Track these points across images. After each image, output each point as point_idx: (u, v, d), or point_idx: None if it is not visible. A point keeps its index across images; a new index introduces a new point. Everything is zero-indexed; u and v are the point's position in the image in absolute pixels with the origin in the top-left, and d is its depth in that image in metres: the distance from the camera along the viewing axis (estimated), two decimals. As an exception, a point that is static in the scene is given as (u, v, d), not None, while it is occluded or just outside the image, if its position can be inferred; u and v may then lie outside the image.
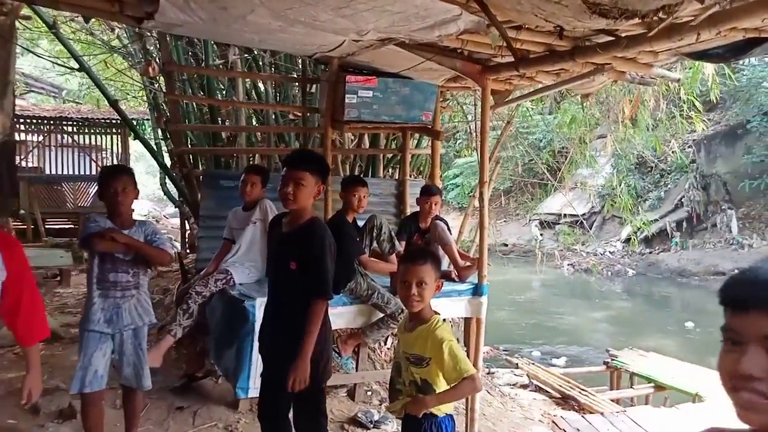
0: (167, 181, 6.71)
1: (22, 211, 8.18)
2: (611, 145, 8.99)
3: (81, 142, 9.90)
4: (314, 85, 5.34)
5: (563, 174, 13.24)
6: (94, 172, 9.93)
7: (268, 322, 2.67)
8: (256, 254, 3.97)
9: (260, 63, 5.58)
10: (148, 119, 8.15)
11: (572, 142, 17.50)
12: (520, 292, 14.72)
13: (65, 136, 10.05)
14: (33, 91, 13.34)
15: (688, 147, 16.54)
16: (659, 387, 6.10)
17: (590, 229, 17.47)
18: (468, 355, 4.30)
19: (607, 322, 12.87)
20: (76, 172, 9.93)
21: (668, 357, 7.18)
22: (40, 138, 10.23)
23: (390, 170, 5.91)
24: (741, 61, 15.06)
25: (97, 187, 2.80)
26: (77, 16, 8.11)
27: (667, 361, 6.91)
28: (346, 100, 4.38)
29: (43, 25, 6.92)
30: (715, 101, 11.37)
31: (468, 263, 4.34)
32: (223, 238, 4.11)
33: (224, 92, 5.73)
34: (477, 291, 4.17)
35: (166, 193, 6.94)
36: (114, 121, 9.68)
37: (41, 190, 9.34)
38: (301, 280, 2.44)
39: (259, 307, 3.54)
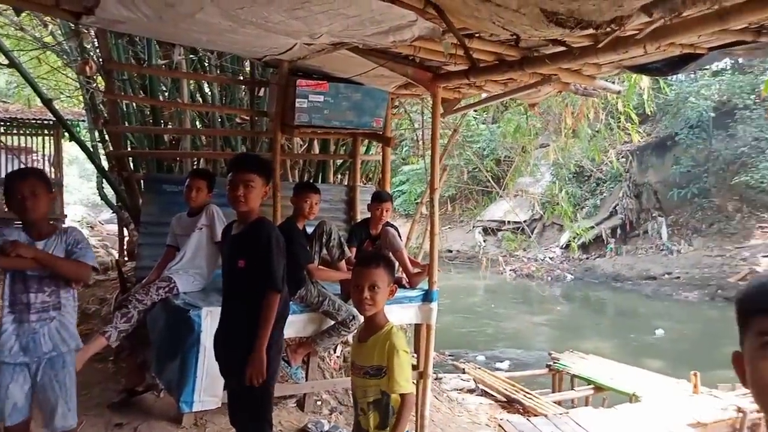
0: (104, 185, 6.37)
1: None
2: (553, 154, 9.25)
3: (9, 143, 9.26)
4: (263, 89, 5.22)
5: (507, 182, 13.58)
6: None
7: (222, 327, 2.64)
8: (202, 261, 3.81)
9: (206, 64, 5.40)
10: (83, 120, 7.74)
11: (514, 151, 18.01)
12: (465, 298, 14.94)
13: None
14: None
15: (623, 157, 17.33)
16: (598, 388, 6.31)
17: (531, 235, 17.98)
18: (418, 361, 4.29)
19: (548, 325, 13.24)
20: (3, 175, 9.29)
21: (606, 359, 7.43)
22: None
23: (340, 176, 5.84)
24: (674, 76, 15.95)
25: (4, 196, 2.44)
26: (6, 9, 7.61)
27: (606, 363, 7.16)
28: (297, 105, 4.29)
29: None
30: (649, 114, 11.95)
31: (418, 270, 4.33)
32: (166, 245, 3.92)
33: (167, 94, 5.49)
34: (427, 297, 4.17)
35: (103, 197, 6.58)
36: (46, 122, 9.14)
37: (-37, 193, 8.70)
38: (249, 277, 2.46)
39: (204, 316, 3.40)
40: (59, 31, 6.81)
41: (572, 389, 6.70)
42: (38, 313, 2.40)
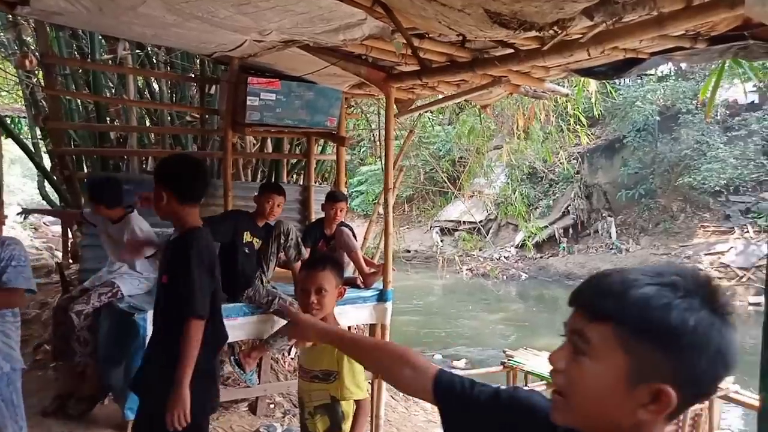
0: (46, 184, 6.10)
1: None
2: (506, 156, 9.42)
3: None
4: (213, 86, 5.11)
5: (462, 183, 13.77)
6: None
7: (149, 343, 2.38)
8: (145, 265, 3.69)
9: (154, 60, 5.24)
10: (24, 117, 7.40)
11: (470, 152, 18.27)
12: (422, 297, 15.04)
13: None
14: None
15: (573, 159, 17.83)
16: (551, 384, 6.42)
17: (487, 235, 18.27)
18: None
19: (503, 323, 13.47)
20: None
21: (559, 355, 7.57)
22: None
23: (294, 176, 5.78)
24: (620, 80, 16.52)
25: None
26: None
27: (558, 359, 7.28)
28: (248, 103, 4.21)
29: None
30: (597, 117, 12.33)
31: (373, 269, 4.33)
32: None
33: (113, 90, 5.30)
34: (382, 297, 4.17)
35: (45, 197, 6.30)
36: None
37: None
38: (169, 296, 2.19)
39: (150, 320, 3.29)
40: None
41: (525, 385, 6.82)
42: None
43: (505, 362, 7.21)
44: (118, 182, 3.73)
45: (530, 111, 6.87)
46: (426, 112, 5.50)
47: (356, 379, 1.96)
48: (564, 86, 5.33)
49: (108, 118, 5.19)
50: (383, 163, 4.19)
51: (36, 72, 5.67)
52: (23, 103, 6.68)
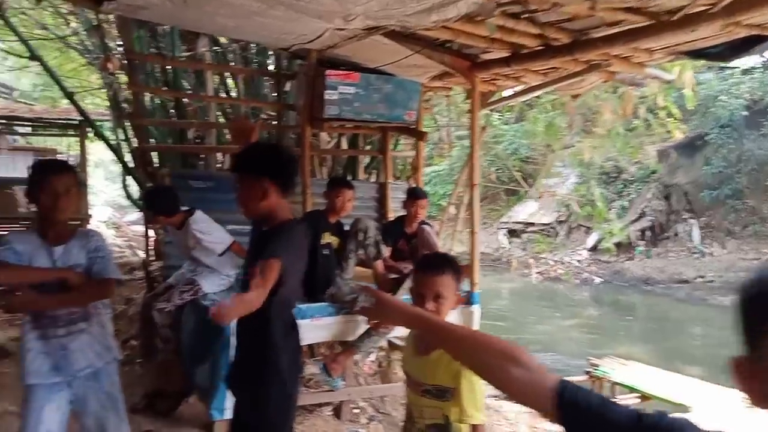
0: (129, 183, 6.26)
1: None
2: (586, 153, 8.91)
3: (35, 144, 9.24)
4: (288, 83, 5.03)
5: (533, 182, 13.27)
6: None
7: (236, 339, 2.24)
8: (222, 266, 3.60)
9: (230, 57, 5.22)
10: (107, 120, 7.65)
11: (538, 151, 17.63)
12: (491, 301, 14.59)
13: (17, 138, 9.39)
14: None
15: (652, 157, 16.85)
16: (644, 397, 5.96)
17: (557, 237, 17.58)
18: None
19: (578, 329, 12.85)
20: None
21: (648, 365, 7.07)
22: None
23: (369, 173, 5.63)
24: (703, 74, 15.46)
25: (27, 187, 2.13)
26: (30, 7, 7.58)
27: (649, 369, 6.80)
28: (326, 96, 4.09)
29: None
30: (687, 110, 11.50)
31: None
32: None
33: (191, 91, 5.32)
34: (468, 300, 3.93)
35: (129, 196, 6.47)
36: (71, 122, 9.10)
37: (-11, 194, 8.69)
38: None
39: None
40: (81, 28, 6.73)
41: (614, 397, 6.37)
42: (66, 326, 2.11)
43: (590, 371, 6.77)
44: (171, 190, 3.68)
45: (627, 101, 6.33)
46: (506, 104, 5.19)
47: (476, 401, 1.67)
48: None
49: (186, 118, 5.22)
50: (469, 157, 3.95)
51: (117, 75, 5.81)
52: (106, 106, 6.90)
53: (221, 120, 5.36)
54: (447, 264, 1.79)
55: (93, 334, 2.20)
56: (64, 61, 7.52)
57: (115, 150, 5.43)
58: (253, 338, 2.04)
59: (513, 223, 18.80)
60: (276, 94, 4.76)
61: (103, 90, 7.21)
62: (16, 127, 9.48)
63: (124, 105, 5.69)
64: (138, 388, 3.73)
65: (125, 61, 4.07)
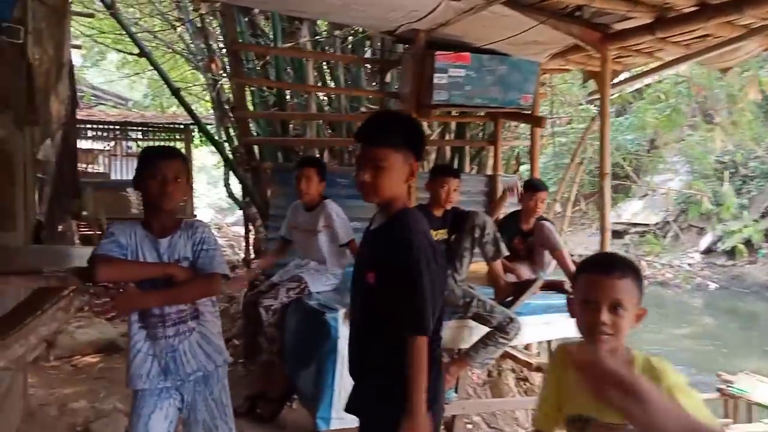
0: (231, 182, 6.25)
1: (85, 213, 7.95)
2: (719, 143, 7.87)
3: (141, 147, 9.71)
4: (389, 73, 4.72)
5: (638, 179, 12.18)
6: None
7: (352, 351, 1.82)
8: (330, 262, 3.34)
9: (328, 51, 5.00)
10: (212, 124, 7.79)
11: (644, 146, 16.27)
12: (593, 306, 13.59)
13: (131, 144, 9.90)
14: (101, 104, 13.44)
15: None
16: (799, 424, 5.06)
17: (665, 238, 16.15)
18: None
19: (692, 340, 11.62)
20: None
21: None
22: (107, 146, 10.11)
23: (472, 167, 5.20)
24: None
25: (135, 174, 1.96)
26: (140, 18, 7.87)
27: (798, 390, 5.81)
28: (435, 80, 3.72)
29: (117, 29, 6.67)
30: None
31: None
32: (281, 236, 3.51)
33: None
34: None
35: (230, 194, 6.47)
36: (177, 126, 9.44)
37: (107, 195, 9.15)
38: (379, 300, 1.63)
39: (342, 320, 2.91)
40: (187, 32, 6.83)
41: (750, 420, 5.49)
42: (175, 326, 1.90)
43: (722, 389, 5.91)
44: (322, 163, 3.52)
45: (754, 83, 5.50)
46: (636, 83, 4.56)
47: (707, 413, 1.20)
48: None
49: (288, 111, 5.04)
50: (600, 143, 3.42)
51: (221, 75, 5.79)
52: (211, 105, 6.96)
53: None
54: (628, 266, 1.31)
55: (203, 335, 1.96)
56: (170, 68, 7.73)
57: (219, 149, 5.39)
58: (392, 355, 1.63)
59: (614, 223, 17.51)
60: (376, 83, 4.46)
61: (206, 92, 7.31)
62: (129, 134, 9.97)
63: (226, 106, 5.65)
64: (240, 389, 3.54)
65: (228, 55, 3.95)
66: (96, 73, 14.53)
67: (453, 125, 4.75)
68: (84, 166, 9.42)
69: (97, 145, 10.87)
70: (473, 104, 3.89)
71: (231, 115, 4.40)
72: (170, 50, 7.59)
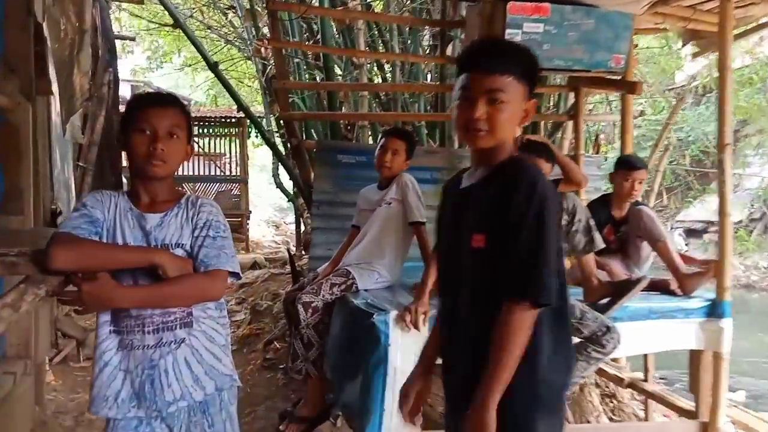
0: (279, 171, 5.82)
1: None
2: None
3: (201, 144, 9.49)
4: (451, 45, 4.08)
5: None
6: (213, 173, 9.46)
7: (456, 340, 1.35)
8: (388, 248, 2.76)
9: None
10: (261, 117, 7.44)
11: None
12: (669, 310, 12.37)
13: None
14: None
15: None
16: None
17: (749, 238, 14.62)
18: (698, 407, 2.77)
19: (786, 348, 10.23)
20: (196, 173, 9.52)
21: None
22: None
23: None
24: None
25: (119, 128, 1.45)
26: (195, 9, 7.59)
27: None
28: (507, 38, 3.05)
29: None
30: None
31: (697, 268, 2.84)
32: (351, 225, 2.97)
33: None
34: (714, 311, 2.67)
35: (279, 185, 6.04)
36: (230, 119, 9.18)
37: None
38: (493, 267, 1.20)
39: (393, 324, 2.32)
40: (238, 22, 6.47)
41: None
42: (158, 333, 1.36)
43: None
44: (413, 139, 3.04)
45: None
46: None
47: None
48: None
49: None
50: (718, 107, 2.66)
51: (270, 60, 5.35)
52: (260, 92, 6.56)
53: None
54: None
55: (195, 349, 1.40)
56: (222, 58, 7.43)
57: (265, 137, 4.94)
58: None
59: (691, 221, 16.03)
60: (440, 46, 3.81)
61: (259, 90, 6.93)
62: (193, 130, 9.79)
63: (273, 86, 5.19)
64: (280, 400, 3.03)
65: (267, 16, 3.44)
66: (164, 78, 14.67)
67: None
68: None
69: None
70: (553, 67, 3.19)
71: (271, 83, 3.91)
72: (224, 41, 7.27)
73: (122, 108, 1.71)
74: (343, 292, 2.67)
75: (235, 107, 8.25)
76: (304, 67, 4.38)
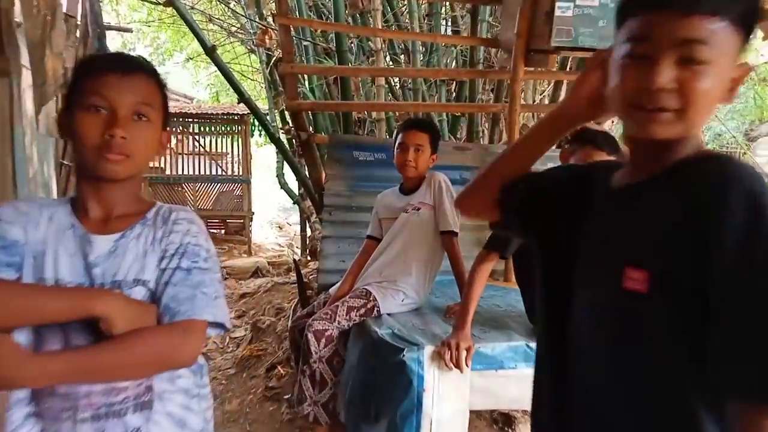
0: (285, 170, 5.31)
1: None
2: None
3: (202, 142, 9.00)
4: (482, 25, 3.57)
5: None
6: (215, 172, 8.99)
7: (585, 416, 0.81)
8: (414, 262, 2.26)
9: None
10: (266, 113, 6.95)
11: (748, 135, 14.19)
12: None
13: (189, 139, 9.24)
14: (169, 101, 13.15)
15: None
16: None
17: None
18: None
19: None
20: (196, 173, 9.04)
21: None
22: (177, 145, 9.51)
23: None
24: None
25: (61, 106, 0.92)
26: (197, 1, 7.10)
27: None
28: (556, 13, 2.55)
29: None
30: None
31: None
32: (366, 236, 2.46)
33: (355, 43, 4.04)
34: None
35: (283, 185, 5.55)
36: (234, 117, 8.68)
37: (162, 190, 8.52)
38: (663, 328, 0.68)
39: (429, 364, 1.81)
40: (241, 11, 5.97)
41: None
42: (98, 421, 0.86)
43: None
44: (437, 129, 2.59)
45: None
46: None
47: None
48: None
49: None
50: None
51: (274, 50, 4.84)
52: (264, 85, 6.06)
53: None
54: None
55: None
56: (225, 51, 6.95)
57: (269, 132, 4.44)
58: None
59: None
60: (471, 24, 3.30)
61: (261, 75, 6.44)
62: (183, 126, 9.32)
63: (280, 87, 4.69)
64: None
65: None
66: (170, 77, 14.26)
67: (564, 83, 3.50)
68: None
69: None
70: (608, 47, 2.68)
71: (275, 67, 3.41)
72: (226, 32, 6.78)
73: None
74: (363, 317, 2.17)
75: (238, 105, 7.79)
76: (313, 54, 3.87)
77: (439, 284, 2.48)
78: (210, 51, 3.71)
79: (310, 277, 3.59)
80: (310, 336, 2.10)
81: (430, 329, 2.04)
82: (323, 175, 2.95)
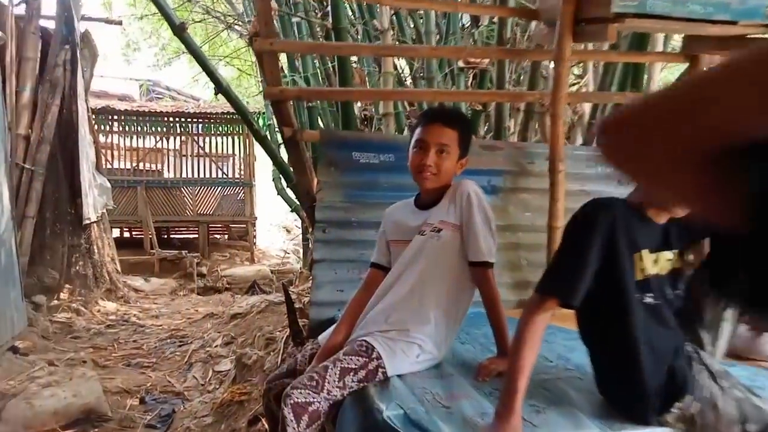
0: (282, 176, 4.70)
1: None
2: None
3: (201, 143, 8.44)
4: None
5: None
6: (216, 175, 8.42)
7: None
8: (434, 304, 1.63)
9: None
10: (263, 112, 6.37)
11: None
12: None
13: (189, 141, 8.67)
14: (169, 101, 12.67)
15: None
16: None
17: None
18: None
19: None
20: (196, 176, 8.47)
21: None
22: (174, 146, 8.96)
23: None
24: None
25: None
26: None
27: None
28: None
29: None
30: None
31: None
32: (371, 263, 1.82)
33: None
34: None
35: (280, 191, 4.95)
36: (235, 117, 8.12)
37: (159, 195, 7.97)
38: None
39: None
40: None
41: None
42: None
43: None
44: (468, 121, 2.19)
45: None
46: None
47: None
48: None
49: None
50: None
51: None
52: (258, 79, 5.44)
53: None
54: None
55: None
56: (222, 43, 6.38)
57: (255, 131, 3.82)
58: None
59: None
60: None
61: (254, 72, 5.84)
62: (181, 126, 8.76)
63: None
64: None
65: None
66: (170, 74, 13.82)
67: (618, 67, 2.81)
68: (135, 163, 8.30)
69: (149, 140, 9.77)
70: (684, 15, 2.01)
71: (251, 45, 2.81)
72: (224, 24, 6.20)
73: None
74: (362, 383, 1.54)
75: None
76: (308, 33, 3.23)
77: (466, 320, 1.83)
78: (179, 30, 3.09)
79: (306, 304, 2.97)
80: (287, 411, 1.47)
81: (459, 407, 1.39)
82: (314, 182, 2.33)
